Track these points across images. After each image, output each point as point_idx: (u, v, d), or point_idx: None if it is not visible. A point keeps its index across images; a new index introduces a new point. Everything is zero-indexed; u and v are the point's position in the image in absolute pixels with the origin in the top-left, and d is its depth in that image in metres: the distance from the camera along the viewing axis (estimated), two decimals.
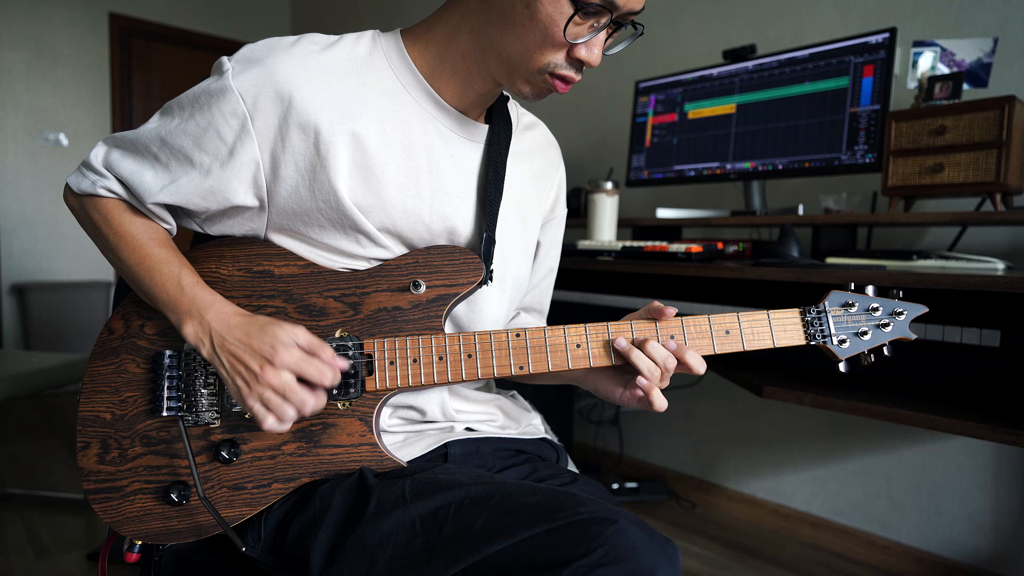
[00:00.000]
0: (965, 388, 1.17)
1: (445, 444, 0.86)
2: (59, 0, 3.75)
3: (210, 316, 0.74)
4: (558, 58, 0.73)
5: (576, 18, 0.70)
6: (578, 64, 0.75)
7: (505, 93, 0.91)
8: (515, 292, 0.93)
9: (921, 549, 1.85)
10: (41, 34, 3.71)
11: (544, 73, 0.74)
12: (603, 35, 0.73)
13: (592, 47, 0.73)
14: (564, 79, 0.75)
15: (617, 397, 0.84)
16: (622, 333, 0.78)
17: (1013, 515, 1.70)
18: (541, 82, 0.75)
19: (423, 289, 0.79)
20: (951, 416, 1.10)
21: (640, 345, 0.77)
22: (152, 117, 0.79)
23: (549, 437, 0.99)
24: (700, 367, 0.77)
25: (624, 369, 0.83)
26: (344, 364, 0.74)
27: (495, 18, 0.73)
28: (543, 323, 1.05)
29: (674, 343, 0.77)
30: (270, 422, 0.71)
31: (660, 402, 0.77)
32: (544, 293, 1.04)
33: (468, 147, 0.84)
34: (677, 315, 0.79)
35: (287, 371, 0.70)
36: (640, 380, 0.76)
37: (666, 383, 0.78)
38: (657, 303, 0.80)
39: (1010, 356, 1.10)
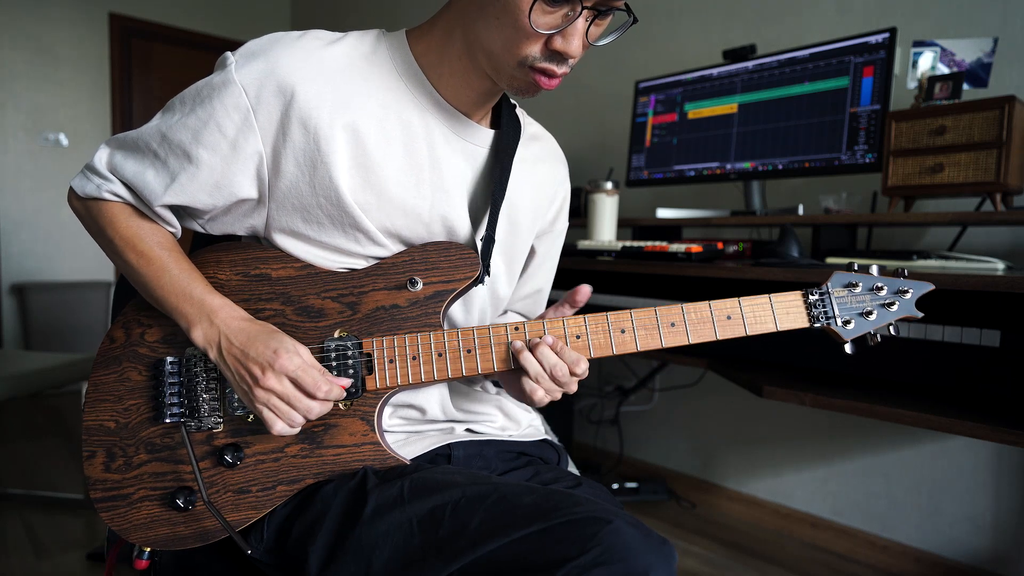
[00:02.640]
0: (965, 388, 1.17)
1: (448, 446, 0.86)
2: (59, 0, 3.74)
3: (219, 320, 0.74)
4: (535, 50, 0.71)
5: (544, 6, 0.68)
6: (558, 56, 0.71)
7: (512, 100, 0.91)
8: (498, 300, 0.92)
9: (921, 549, 1.85)
10: (41, 34, 3.70)
11: (524, 67, 0.72)
12: (580, 24, 0.70)
13: (569, 37, 0.70)
14: (545, 72, 0.72)
15: (519, 396, 0.83)
16: (622, 323, 0.78)
17: (1013, 515, 1.70)
18: (524, 76, 0.73)
19: (420, 286, 0.79)
20: (951, 416, 1.10)
21: (532, 348, 0.75)
22: (155, 115, 0.79)
23: (549, 438, 0.99)
24: (579, 367, 0.75)
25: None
26: (345, 382, 0.75)
27: (478, 13, 0.72)
28: None
29: (550, 338, 0.75)
30: (279, 427, 0.72)
31: (537, 397, 0.76)
32: (537, 306, 1.02)
33: (470, 149, 0.84)
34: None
35: (286, 377, 0.71)
36: (526, 382, 0.75)
37: (559, 393, 0.77)
38: (586, 288, 0.79)
39: (1010, 356, 1.10)
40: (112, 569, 0.85)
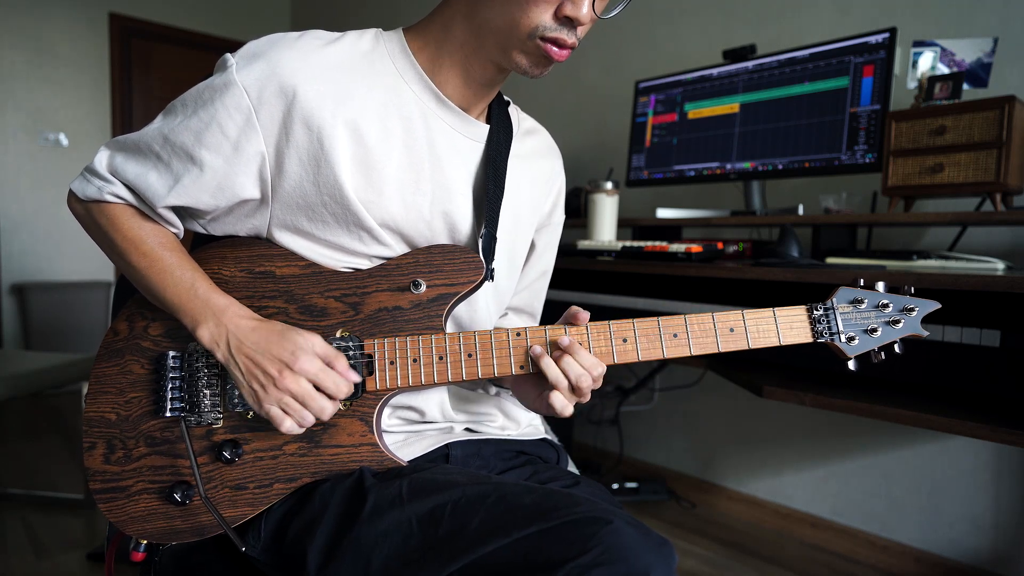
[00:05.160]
0: (965, 388, 1.17)
1: (446, 445, 0.86)
2: (59, 0, 3.74)
3: (227, 320, 0.74)
4: (545, 18, 0.71)
5: None
6: (568, 23, 0.72)
7: (506, 98, 0.91)
8: (501, 295, 0.92)
9: (921, 549, 1.85)
10: (41, 34, 3.70)
11: (535, 39, 0.72)
12: None
13: (579, 2, 0.70)
14: (557, 42, 0.72)
15: (531, 403, 0.83)
16: (624, 331, 0.78)
17: (1013, 515, 1.70)
18: (534, 49, 0.73)
19: (423, 288, 0.79)
20: (951, 416, 1.10)
21: (556, 358, 0.75)
22: (156, 118, 0.79)
23: (549, 437, 0.99)
24: (595, 370, 0.75)
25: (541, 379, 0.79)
26: (356, 377, 0.75)
27: None
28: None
29: (567, 340, 0.75)
30: (288, 425, 0.73)
31: (559, 409, 0.76)
32: (536, 296, 1.03)
33: (469, 144, 0.84)
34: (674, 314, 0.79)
35: (305, 378, 0.71)
36: (550, 392, 0.75)
37: (583, 398, 0.77)
38: (574, 308, 0.78)
39: (1010, 356, 1.10)
40: (112, 564, 0.85)
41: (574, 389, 0.75)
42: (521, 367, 0.77)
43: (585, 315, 0.78)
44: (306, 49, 0.76)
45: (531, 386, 0.83)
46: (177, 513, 0.78)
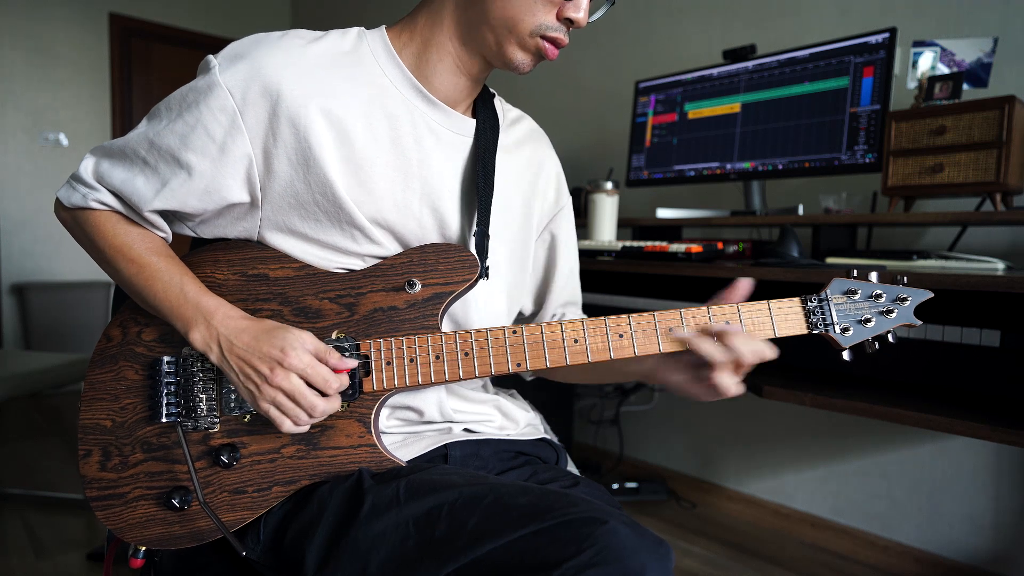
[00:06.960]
0: (965, 388, 1.17)
1: (445, 446, 0.86)
2: (59, 0, 3.74)
3: (217, 321, 0.74)
4: (550, 19, 0.75)
5: None
6: (566, 24, 0.77)
7: (491, 90, 0.91)
8: (514, 289, 0.92)
9: (921, 549, 1.85)
10: (41, 34, 3.71)
11: (536, 36, 0.76)
12: None
13: (579, 7, 0.76)
14: (555, 42, 0.77)
15: (684, 388, 0.81)
16: (620, 327, 0.77)
17: (1013, 515, 1.69)
18: (533, 46, 0.77)
19: (418, 288, 0.79)
20: (951, 416, 1.10)
21: (718, 336, 0.74)
22: (140, 122, 0.79)
23: (549, 437, 0.99)
24: (752, 356, 0.73)
25: (691, 362, 0.79)
26: (352, 363, 0.74)
27: None
28: (579, 314, 1.04)
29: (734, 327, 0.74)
30: (288, 425, 0.72)
31: (734, 388, 0.74)
32: (577, 287, 1.03)
33: (457, 140, 0.84)
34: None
35: (295, 374, 0.71)
36: (715, 375, 0.74)
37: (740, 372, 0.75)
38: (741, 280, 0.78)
39: (1010, 356, 1.09)
40: (110, 568, 0.85)
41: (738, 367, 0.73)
42: (518, 364, 0.77)
43: (743, 289, 0.78)
44: (289, 48, 0.75)
45: (679, 372, 0.81)
46: (175, 519, 0.78)
